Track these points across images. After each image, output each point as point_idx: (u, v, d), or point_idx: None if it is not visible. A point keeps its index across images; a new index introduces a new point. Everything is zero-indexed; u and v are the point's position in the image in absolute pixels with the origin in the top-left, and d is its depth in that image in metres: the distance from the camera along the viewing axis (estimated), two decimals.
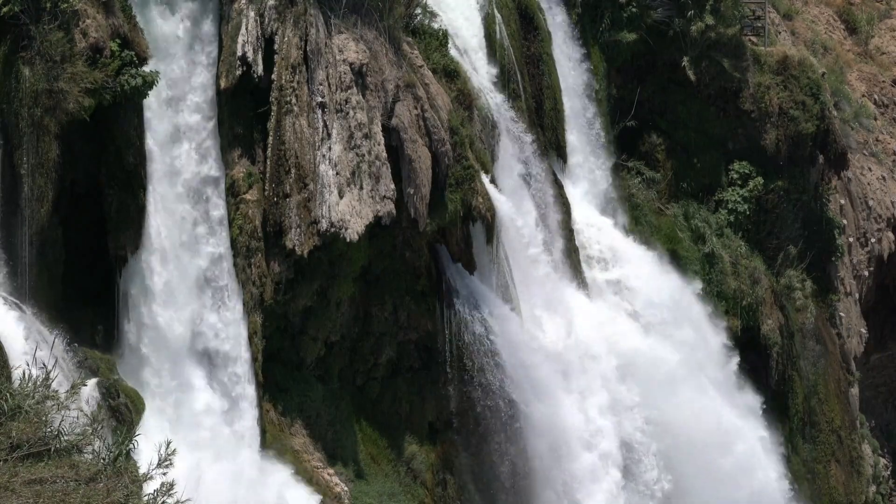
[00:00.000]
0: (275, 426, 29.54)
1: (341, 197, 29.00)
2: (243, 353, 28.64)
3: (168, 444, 12.60)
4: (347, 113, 29.42)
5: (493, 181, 33.42)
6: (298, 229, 28.74)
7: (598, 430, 34.59)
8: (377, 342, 31.74)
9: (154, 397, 27.19)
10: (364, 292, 31.38)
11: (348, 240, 28.95)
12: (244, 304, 28.68)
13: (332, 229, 28.76)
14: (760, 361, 41.41)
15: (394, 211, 29.58)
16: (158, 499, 12.21)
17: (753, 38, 44.63)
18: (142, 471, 12.57)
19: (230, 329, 28.50)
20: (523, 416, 32.75)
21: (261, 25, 28.79)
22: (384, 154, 29.58)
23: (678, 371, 37.21)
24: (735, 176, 42.56)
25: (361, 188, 29.27)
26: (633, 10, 40.47)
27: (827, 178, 45.52)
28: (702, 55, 42.10)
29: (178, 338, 27.78)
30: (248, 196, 28.85)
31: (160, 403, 27.29)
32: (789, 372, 42.39)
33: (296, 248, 28.73)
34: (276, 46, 28.92)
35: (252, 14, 28.66)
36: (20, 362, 20.73)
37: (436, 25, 33.38)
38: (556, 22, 39.11)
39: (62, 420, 13.07)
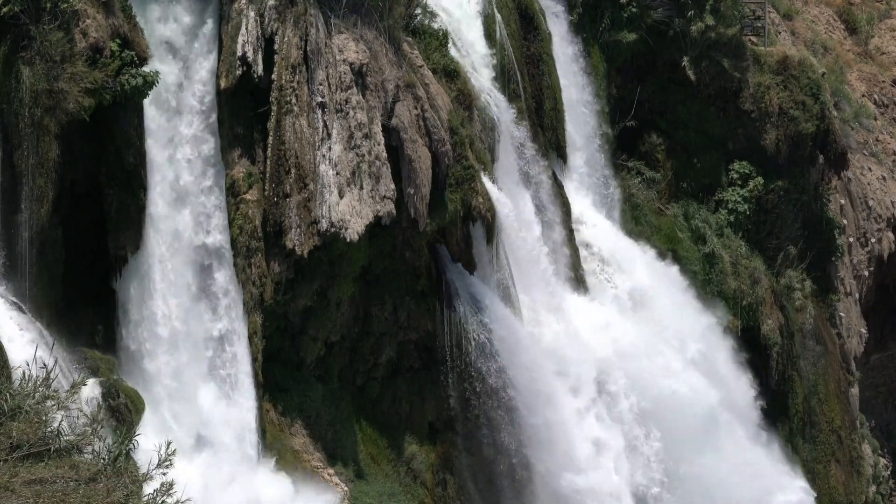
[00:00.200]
0: (275, 426, 29.53)
1: (341, 197, 28.99)
2: (244, 353, 28.64)
3: (168, 444, 12.59)
4: (347, 113, 29.41)
5: (493, 181, 33.41)
6: (298, 229, 28.73)
7: (598, 430, 34.58)
8: (377, 342, 31.73)
9: (154, 397, 27.20)
10: (364, 292, 31.37)
11: (348, 240, 28.94)
12: (244, 304, 28.68)
13: (332, 229, 28.75)
14: (760, 361, 41.39)
15: (394, 211, 29.56)
16: (158, 499, 12.19)
17: (753, 38, 44.60)
18: (142, 471, 12.56)
19: (230, 329, 28.50)
20: (523, 417, 32.75)
21: (261, 25, 28.78)
22: (384, 154, 29.57)
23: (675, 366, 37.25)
24: (735, 176, 42.53)
25: (361, 188, 29.26)
26: (633, 10, 40.44)
27: (827, 178, 45.49)
28: (702, 55, 42.07)
29: (178, 337, 27.78)
30: (248, 196, 28.85)
31: (160, 403, 27.29)
32: (789, 372, 42.37)
33: (296, 248, 28.72)
34: (276, 46, 28.91)
35: (252, 14, 28.65)
36: (20, 362, 20.71)
37: (436, 25, 33.37)
38: (556, 22, 39.11)
39: (62, 420, 13.06)
